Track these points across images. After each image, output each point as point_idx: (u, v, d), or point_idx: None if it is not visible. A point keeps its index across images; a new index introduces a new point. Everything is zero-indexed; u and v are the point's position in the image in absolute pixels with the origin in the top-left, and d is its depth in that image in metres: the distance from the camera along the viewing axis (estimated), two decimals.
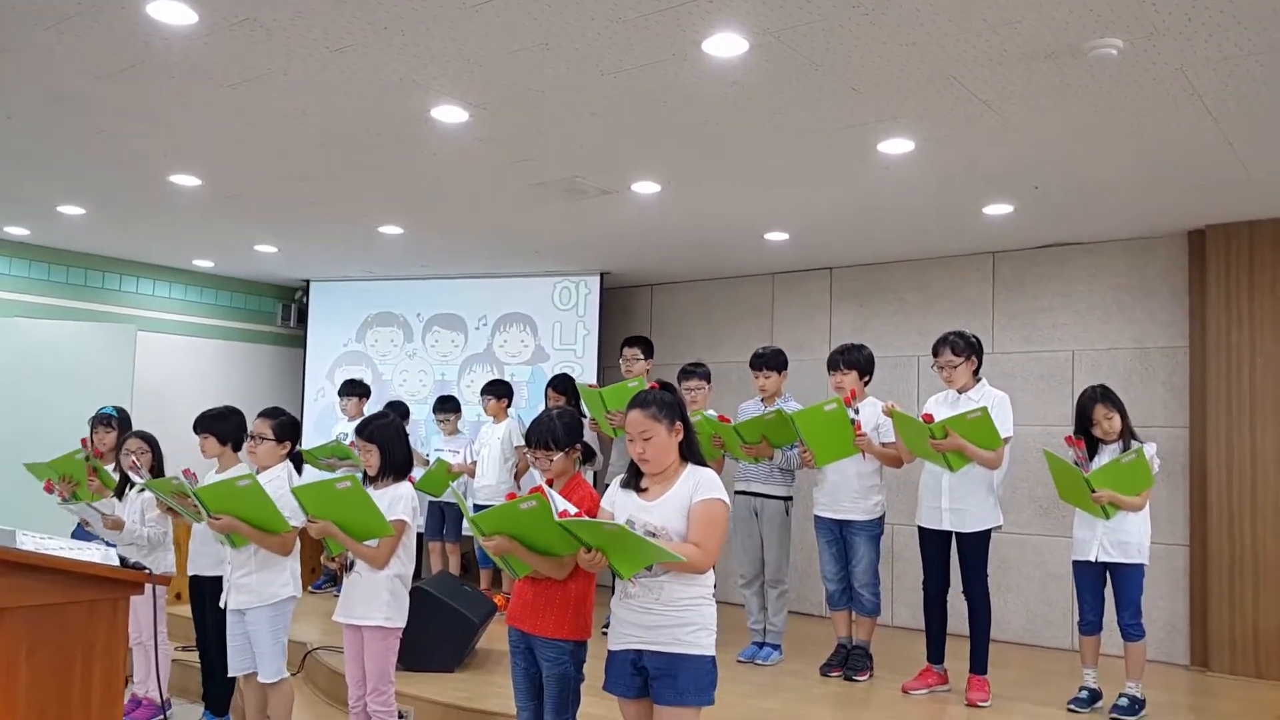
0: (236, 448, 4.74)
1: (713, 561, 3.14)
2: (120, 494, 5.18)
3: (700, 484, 3.18)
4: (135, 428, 5.68)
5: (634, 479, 3.30)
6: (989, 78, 3.88)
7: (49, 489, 5.17)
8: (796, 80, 3.96)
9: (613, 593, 6.32)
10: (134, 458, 5.08)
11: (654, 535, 3.14)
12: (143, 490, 5.09)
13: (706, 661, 3.16)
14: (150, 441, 5.18)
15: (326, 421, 8.40)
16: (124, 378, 7.78)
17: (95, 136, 4.98)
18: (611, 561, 3.10)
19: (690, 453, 3.27)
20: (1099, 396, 4.89)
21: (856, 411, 5.03)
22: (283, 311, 9.56)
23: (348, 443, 6.96)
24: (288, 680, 4.52)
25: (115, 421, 5.55)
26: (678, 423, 3.24)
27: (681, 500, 3.17)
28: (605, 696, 3.30)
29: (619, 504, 3.28)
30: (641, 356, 6.37)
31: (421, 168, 5.36)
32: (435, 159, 5.17)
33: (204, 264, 8.59)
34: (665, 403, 3.25)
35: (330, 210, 6.44)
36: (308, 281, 9.17)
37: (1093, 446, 4.91)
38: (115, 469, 5.40)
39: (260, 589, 4.38)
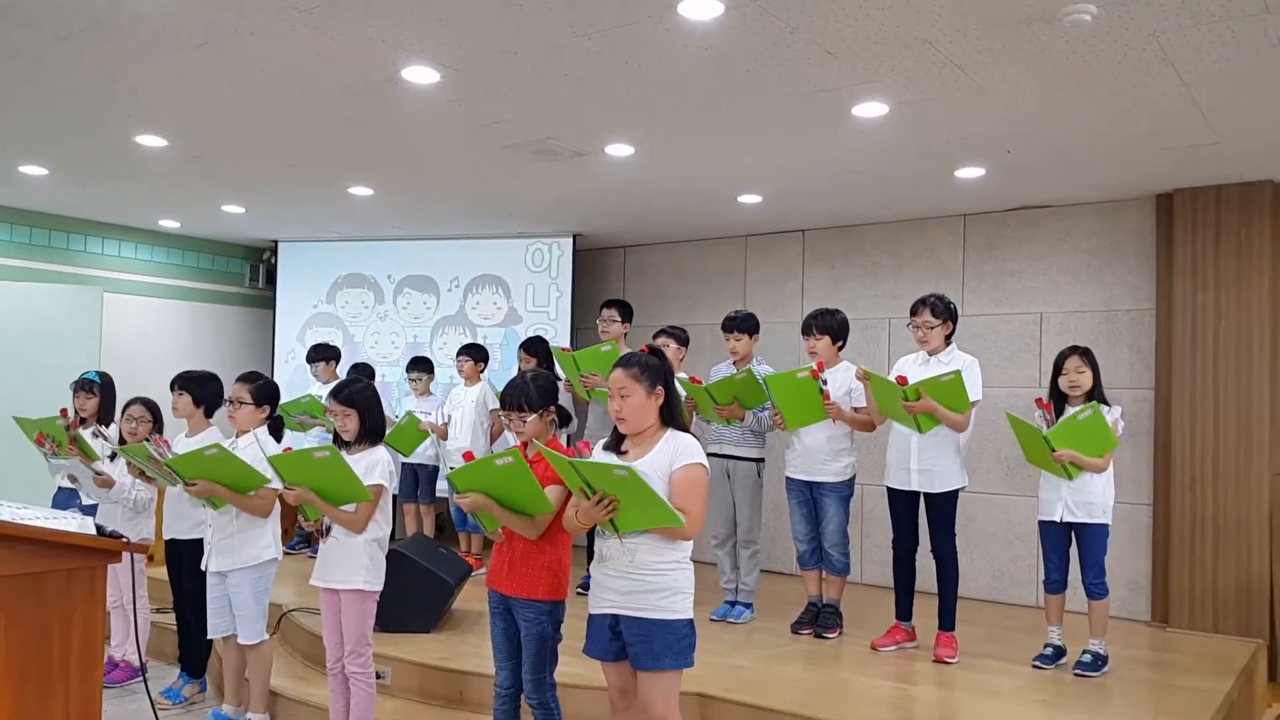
0: (209, 413, 4.74)
1: (699, 526, 3.18)
2: (114, 455, 5.15)
3: (680, 450, 3.21)
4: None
5: (615, 442, 3.34)
6: (964, 42, 3.89)
7: (40, 442, 5.12)
8: (771, 43, 3.95)
9: (588, 554, 6.39)
10: (135, 424, 5.04)
11: None
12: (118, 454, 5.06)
13: (683, 625, 3.20)
14: (154, 410, 5.11)
15: (298, 384, 8.34)
16: (91, 340, 7.70)
17: (57, 96, 4.88)
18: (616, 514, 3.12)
19: (671, 418, 3.30)
20: (1077, 351, 4.94)
21: (825, 382, 5.08)
22: (250, 272, 9.45)
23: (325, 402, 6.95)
24: (267, 642, 4.55)
25: (97, 387, 5.48)
26: (659, 387, 3.27)
27: (660, 464, 3.20)
28: (581, 654, 3.35)
29: None
30: (618, 319, 6.38)
31: (392, 129, 5.30)
32: (406, 120, 5.12)
33: (170, 224, 8.48)
34: (649, 366, 3.28)
35: (299, 171, 6.37)
36: (276, 242, 9.07)
37: (1060, 407, 4.95)
38: (96, 435, 5.37)
39: (242, 550, 4.40)
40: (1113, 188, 6.23)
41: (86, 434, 5.24)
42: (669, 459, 3.20)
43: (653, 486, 3.10)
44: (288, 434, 4.87)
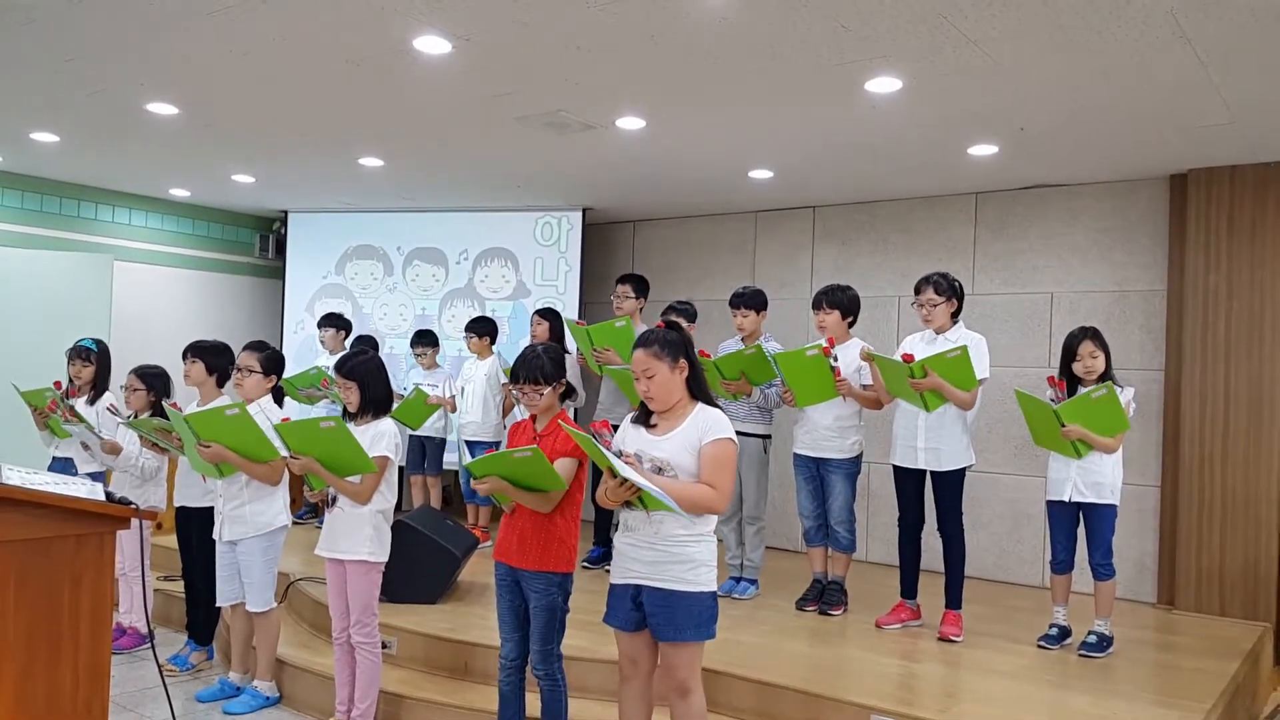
0: (220, 382, 4.75)
1: (727, 501, 3.20)
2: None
3: (710, 425, 3.22)
4: (115, 359, 5.66)
5: (644, 415, 3.34)
6: (979, 17, 3.85)
7: (53, 408, 5.15)
8: (785, 16, 3.91)
9: (594, 529, 6.40)
10: (127, 394, 5.06)
11: (660, 470, 3.18)
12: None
13: (705, 598, 3.22)
14: (146, 380, 5.10)
15: (306, 355, 8.36)
16: (101, 308, 7.72)
17: (68, 63, 4.86)
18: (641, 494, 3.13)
19: (699, 391, 3.30)
20: (1088, 334, 4.89)
21: (835, 359, 5.06)
22: (260, 242, 9.44)
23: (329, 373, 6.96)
24: (275, 611, 4.59)
25: (93, 355, 5.49)
26: (681, 360, 3.26)
27: (690, 439, 3.20)
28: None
29: (629, 439, 3.32)
30: (632, 295, 6.37)
31: (403, 99, 5.27)
32: (417, 91, 5.09)
33: (180, 193, 8.47)
34: (668, 341, 3.27)
35: (309, 141, 6.35)
36: (286, 212, 9.06)
37: (1072, 389, 4.92)
38: (90, 403, 5.40)
39: (253, 519, 4.43)
40: (1126, 167, 6.18)
41: (81, 403, 5.27)
42: (698, 434, 3.20)
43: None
44: (297, 407, 4.89)
